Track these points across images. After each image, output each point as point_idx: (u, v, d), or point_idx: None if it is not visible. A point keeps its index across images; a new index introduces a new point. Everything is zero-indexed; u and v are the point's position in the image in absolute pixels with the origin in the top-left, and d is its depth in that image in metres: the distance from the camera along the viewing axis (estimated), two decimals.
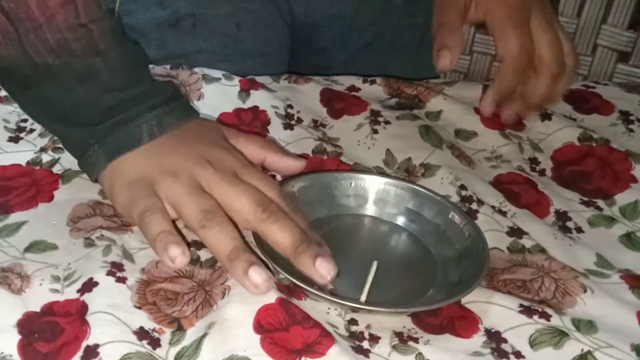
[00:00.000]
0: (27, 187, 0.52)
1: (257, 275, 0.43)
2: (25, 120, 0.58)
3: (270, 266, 0.46)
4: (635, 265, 0.52)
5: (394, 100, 0.67)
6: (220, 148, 0.51)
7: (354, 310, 0.45)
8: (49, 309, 0.42)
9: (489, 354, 0.43)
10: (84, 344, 0.40)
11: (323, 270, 0.44)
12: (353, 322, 0.44)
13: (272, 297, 0.43)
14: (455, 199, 0.55)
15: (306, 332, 0.41)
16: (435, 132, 0.62)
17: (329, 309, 0.45)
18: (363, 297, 0.45)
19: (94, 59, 0.50)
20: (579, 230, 0.55)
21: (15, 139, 0.57)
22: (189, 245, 0.47)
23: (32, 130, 0.58)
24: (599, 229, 0.55)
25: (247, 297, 0.44)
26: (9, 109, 0.60)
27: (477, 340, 0.44)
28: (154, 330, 0.42)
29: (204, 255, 0.48)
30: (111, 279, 0.44)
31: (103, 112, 0.50)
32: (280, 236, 0.46)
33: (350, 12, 0.79)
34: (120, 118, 0.50)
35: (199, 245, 0.48)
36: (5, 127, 0.58)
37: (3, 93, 0.61)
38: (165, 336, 0.42)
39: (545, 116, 0.65)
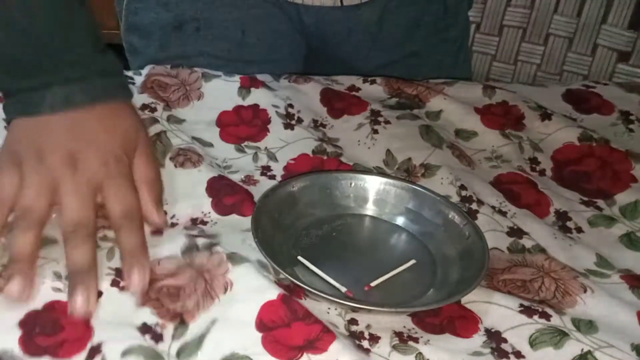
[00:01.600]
0: None
1: (14, 284, 0.42)
2: None
3: (271, 266, 0.46)
4: (635, 265, 0.52)
5: (394, 100, 0.67)
6: (102, 153, 0.49)
7: (354, 310, 0.45)
8: (51, 307, 0.43)
9: (489, 353, 0.43)
10: (88, 345, 0.40)
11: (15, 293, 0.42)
12: (353, 321, 0.44)
13: (274, 293, 0.43)
14: (455, 199, 0.55)
15: (307, 328, 0.42)
16: (435, 132, 0.62)
17: (329, 308, 0.45)
18: (373, 283, 0.46)
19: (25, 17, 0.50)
20: (579, 230, 0.55)
21: None
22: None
23: None
24: (599, 228, 0.55)
25: (250, 295, 0.44)
26: None
27: (477, 340, 0.44)
28: (157, 325, 0.42)
29: (200, 240, 0.48)
30: (115, 289, 0.44)
31: (19, 67, 0.50)
32: (70, 257, 0.44)
33: (367, 27, 0.76)
34: (27, 84, 0.50)
35: (198, 236, 0.48)
36: (6, 127, 0.57)
37: None
38: (168, 331, 0.42)
39: (546, 116, 0.65)
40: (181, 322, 0.42)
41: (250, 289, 0.44)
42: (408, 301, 0.47)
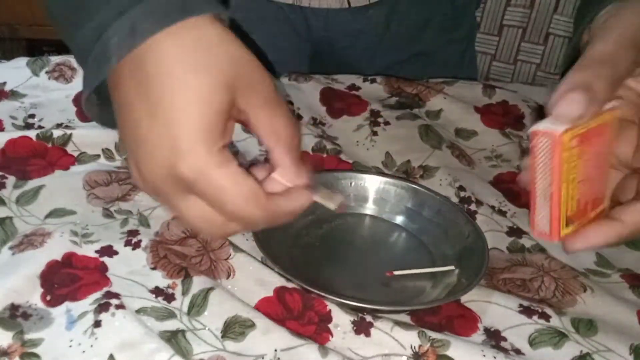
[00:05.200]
0: (43, 163, 0.54)
1: None
2: (32, 116, 0.58)
3: (271, 265, 0.46)
4: (635, 265, 0.52)
5: (394, 99, 0.67)
6: (197, 121, 0.35)
7: (354, 309, 0.45)
8: (68, 260, 0.44)
9: (488, 351, 0.43)
10: (104, 289, 0.43)
11: None
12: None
13: (270, 290, 0.44)
14: (454, 200, 0.55)
15: (302, 329, 0.42)
16: (435, 132, 0.62)
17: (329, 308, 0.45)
18: (396, 272, 0.48)
19: None
20: None
21: None
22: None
23: (40, 127, 0.57)
24: None
25: (248, 286, 0.44)
26: (16, 105, 0.60)
27: (477, 338, 0.44)
28: (168, 287, 0.44)
29: None
30: (129, 248, 0.46)
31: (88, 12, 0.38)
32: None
33: (375, 28, 0.76)
34: (93, 25, 0.37)
35: None
36: (13, 124, 0.58)
37: (7, 88, 0.61)
38: (178, 289, 0.44)
39: (544, 115, 0.65)
40: (186, 276, 0.44)
41: (250, 279, 0.45)
42: (408, 300, 0.47)
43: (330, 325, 0.43)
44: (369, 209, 0.54)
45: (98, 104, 0.41)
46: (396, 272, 0.48)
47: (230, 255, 0.46)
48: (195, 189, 0.36)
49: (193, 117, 0.35)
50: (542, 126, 0.35)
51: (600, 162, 0.39)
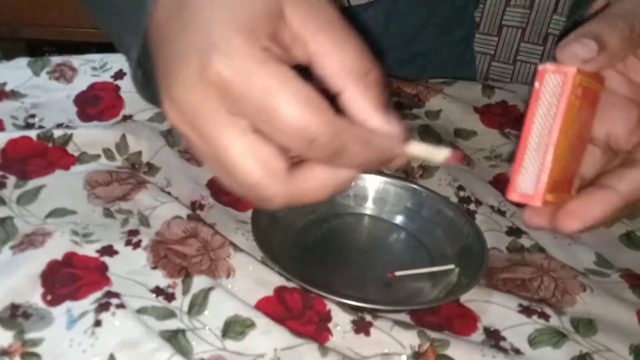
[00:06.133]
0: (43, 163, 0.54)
1: None
2: (33, 116, 0.59)
3: (271, 265, 0.46)
4: (635, 265, 0.52)
5: (394, 99, 0.67)
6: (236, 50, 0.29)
7: (354, 308, 0.45)
8: (69, 259, 0.44)
9: (487, 351, 0.43)
10: (105, 288, 0.43)
11: None
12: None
13: (270, 289, 0.44)
14: (453, 199, 0.55)
15: (302, 328, 0.42)
16: (434, 132, 0.62)
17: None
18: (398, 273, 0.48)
19: None
20: None
21: None
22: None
23: (41, 127, 0.58)
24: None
25: (248, 285, 0.44)
26: (17, 105, 0.60)
27: (476, 338, 0.44)
28: (168, 286, 0.44)
29: (202, 215, 0.50)
30: (129, 248, 0.46)
31: None
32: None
33: (373, 27, 0.76)
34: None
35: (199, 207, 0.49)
36: (14, 124, 0.58)
37: (8, 88, 0.61)
38: (178, 288, 0.44)
39: None
40: (187, 275, 0.44)
41: (250, 279, 0.45)
42: (407, 300, 0.47)
43: (330, 325, 0.43)
44: (369, 208, 0.54)
45: (143, 82, 0.39)
46: (398, 273, 0.48)
47: (230, 255, 0.46)
48: (235, 97, 0.28)
49: (229, 12, 0.29)
50: (551, 66, 0.32)
51: (583, 137, 0.35)
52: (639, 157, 0.35)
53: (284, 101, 0.28)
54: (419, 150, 0.32)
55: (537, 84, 0.33)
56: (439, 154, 0.33)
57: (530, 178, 0.33)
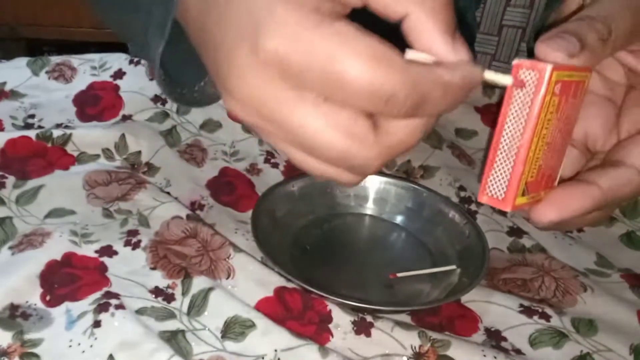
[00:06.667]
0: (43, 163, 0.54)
1: None
2: (32, 116, 0.58)
3: (271, 265, 0.46)
4: (635, 264, 0.52)
5: None
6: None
7: (354, 309, 0.45)
8: (68, 260, 0.44)
9: (488, 351, 0.43)
10: (104, 289, 0.43)
11: None
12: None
13: (270, 290, 0.44)
14: (454, 199, 0.55)
15: (302, 329, 0.42)
16: (435, 132, 0.62)
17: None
18: (400, 274, 0.47)
19: None
20: (579, 229, 0.55)
21: None
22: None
23: (40, 127, 0.57)
24: (599, 228, 0.55)
25: (248, 286, 0.44)
26: (16, 105, 0.60)
27: (477, 339, 0.44)
28: (167, 287, 0.44)
29: (202, 215, 0.51)
30: (128, 248, 0.46)
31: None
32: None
33: (373, 28, 0.76)
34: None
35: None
36: (13, 124, 0.58)
37: (7, 88, 0.61)
38: (178, 289, 0.44)
39: None
40: (186, 276, 0.44)
41: (250, 279, 0.45)
42: (408, 300, 0.47)
43: (331, 326, 0.43)
44: (369, 208, 0.54)
45: (165, 79, 0.38)
46: (399, 274, 0.48)
47: (230, 255, 0.46)
48: (296, 70, 0.26)
49: None
50: (526, 61, 0.29)
51: (566, 131, 0.33)
52: (619, 157, 0.34)
53: (348, 63, 0.25)
54: (491, 76, 0.30)
55: (510, 80, 0.30)
56: (505, 79, 0.30)
57: (501, 181, 0.31)
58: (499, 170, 0.31)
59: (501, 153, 0.31)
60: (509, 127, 0.30)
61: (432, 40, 0.28)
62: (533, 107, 0.29)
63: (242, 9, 0.27)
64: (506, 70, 0.30)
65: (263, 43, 0.26)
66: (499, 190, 0.31)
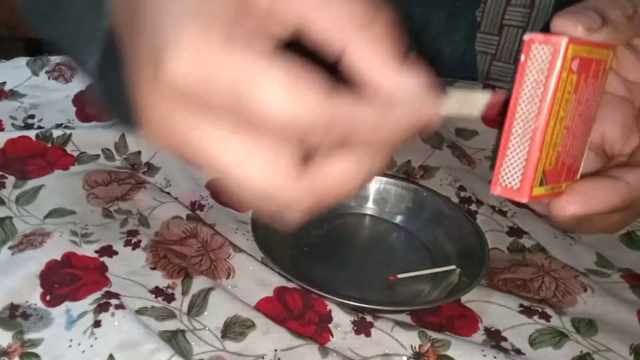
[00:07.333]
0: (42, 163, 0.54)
1: None
2: (32, 116, 0.58)
3: (271, 265, 0.46)
4: (635, 265, 0.52)
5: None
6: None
7: (354, 309, 0.45)
8: (68, 260, 0.44)
9: (488, 351, 0.43)
10: (104, 289, 0.43)
11: None
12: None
13: (270, 290, 0.44)
14: (454, 200, 0.55)
15: (302, 329, 0.42)
16: (435, 132, 0.62)
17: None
18: (400, 275, 0.47)
19: None
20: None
21: None
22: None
23: (40, 127, 0.57)
24: None
25: (248, 286, 0.44)
26: (16, 105, 0.60)
27: (477, 339, 0.44)
28: (167, 287, 0.44)
29: (202, 215, 0.51)
30: (128, 248, 0.46)
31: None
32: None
33: None
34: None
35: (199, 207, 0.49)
36: (13, 124, 0.58)
37: (7, 88, 0.61)
38: (178, 289, 0.44)
39: None
40: (186, 276, 0.44)
41: (250, 279, 0.45)
42: (408, 300, 0.47)
43: (331, 326, 0.43)
44: (369, 208, 0.54)
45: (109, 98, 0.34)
46: (400, 275, 0.47)
47: (230, 255, 0.46)
48: (203, 97, 0.23)
49: (178, 5, 0.23)
50: (539, 35, 0.27)
51: (587, 116, 0.30)
52: None
53: (259, 90, 0.22)
54: (452, 105, 0.25)
55: (522, 57, 0.27)
56: (476, 103, 0.25)
57: (516, 169, 0.28)
58: (513, 157, 0.28)
59: (514, 138, 0.27)
60: (522, 108, 0.27)
61: (380, 72, 0.24)
62: (548, 84, 0.26)
63: (153, 20, 0.24)
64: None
65: (166, 65, 0.22)
66: (514, 180, 0.28)
